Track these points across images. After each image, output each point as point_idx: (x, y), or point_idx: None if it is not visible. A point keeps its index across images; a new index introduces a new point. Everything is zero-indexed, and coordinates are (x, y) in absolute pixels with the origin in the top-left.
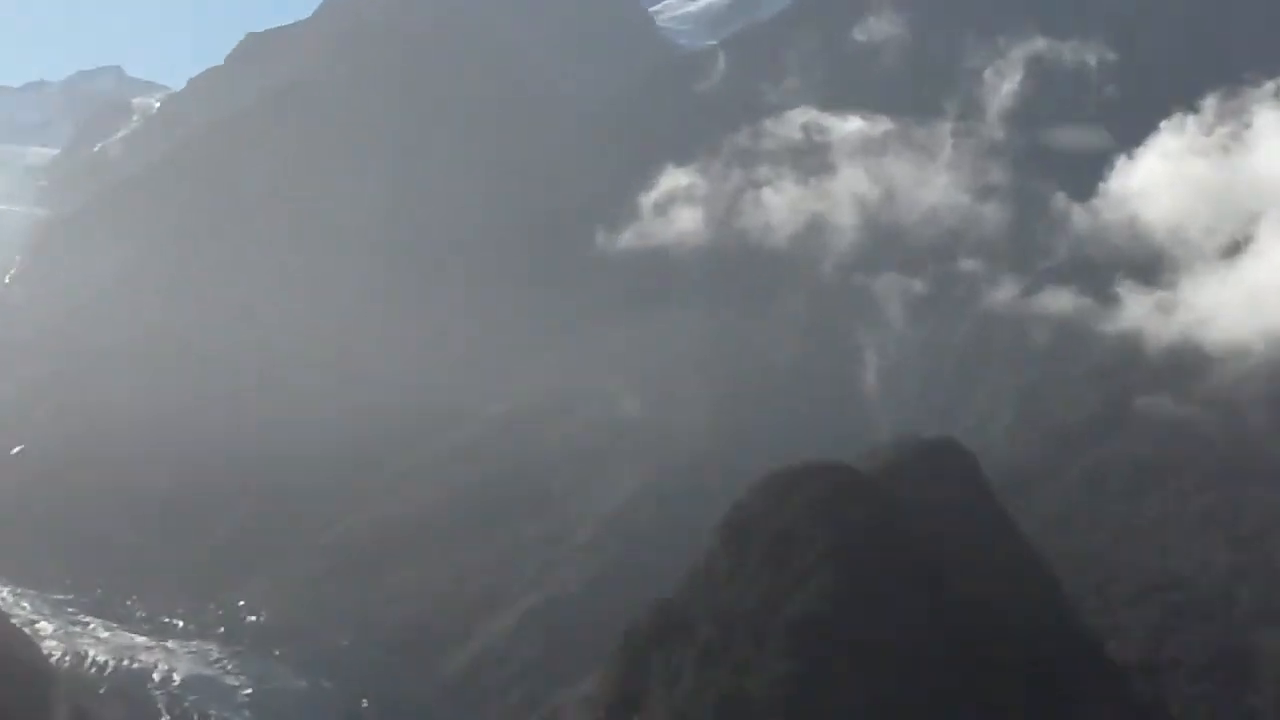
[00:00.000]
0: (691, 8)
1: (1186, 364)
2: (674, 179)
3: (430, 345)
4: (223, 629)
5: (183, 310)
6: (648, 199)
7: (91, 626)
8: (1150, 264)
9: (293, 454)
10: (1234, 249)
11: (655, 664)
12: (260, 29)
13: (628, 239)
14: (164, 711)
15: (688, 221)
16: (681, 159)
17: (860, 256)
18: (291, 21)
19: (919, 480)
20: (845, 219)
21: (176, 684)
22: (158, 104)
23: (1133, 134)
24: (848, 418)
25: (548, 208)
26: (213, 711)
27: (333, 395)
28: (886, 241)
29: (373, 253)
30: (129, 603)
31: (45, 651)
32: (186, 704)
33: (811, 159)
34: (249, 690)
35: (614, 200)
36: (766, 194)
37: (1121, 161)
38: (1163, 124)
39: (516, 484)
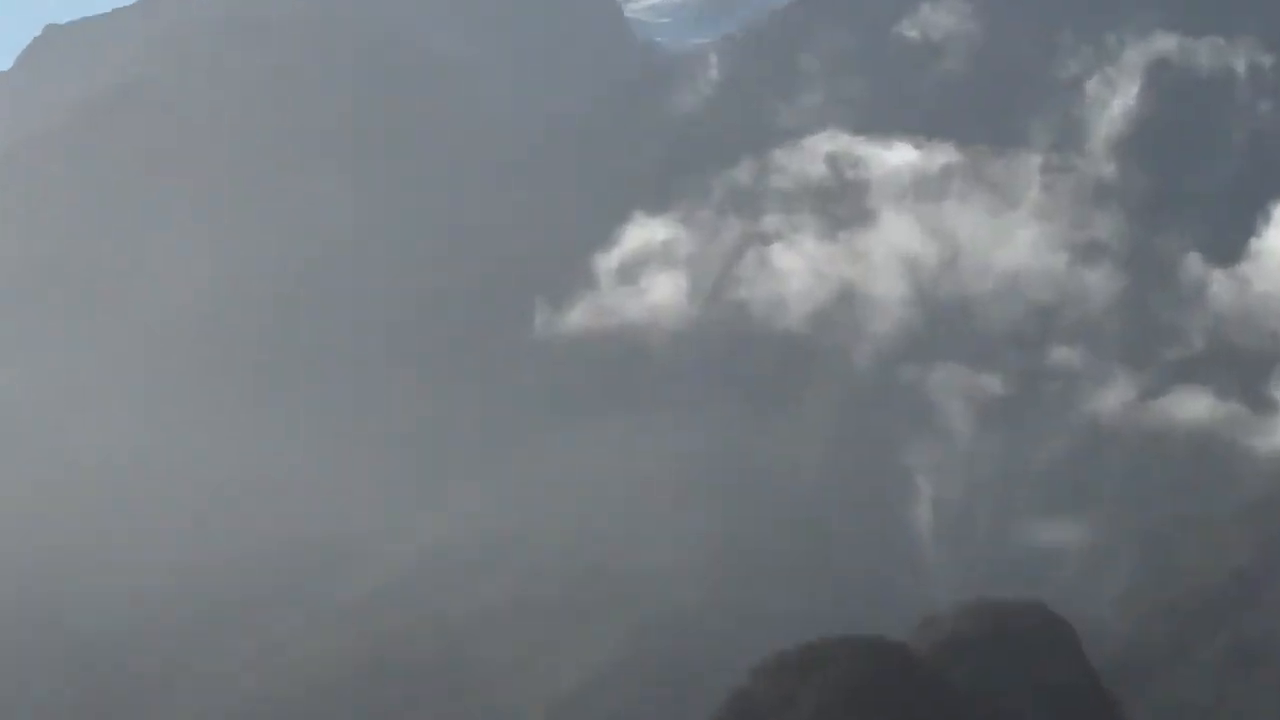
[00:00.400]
0: None
1: None
2: (646, 232)
3: (313, 463)
4: None
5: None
6: (608, 260)
7: None
8: None
9: (124, 622)
10: None
11: None
12: (65, 19)
13: (580, 316)
14: None
15: (665, 291)
16: (657, 204)
17: (910, 341)
18: (109, 9)
19: (995, 661)
20: (888, 288)
21: None
22: None
23: None
24: (892, 569)
25: (473, 273)
26: None
27: (178, 536)
28: (947, 321)
29: (229, 334)
30: None
31: None
32: None
33: (842, 204)
34: None
35: (563, 262)
36: (777, 253)
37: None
38: None
39: (431, 653)
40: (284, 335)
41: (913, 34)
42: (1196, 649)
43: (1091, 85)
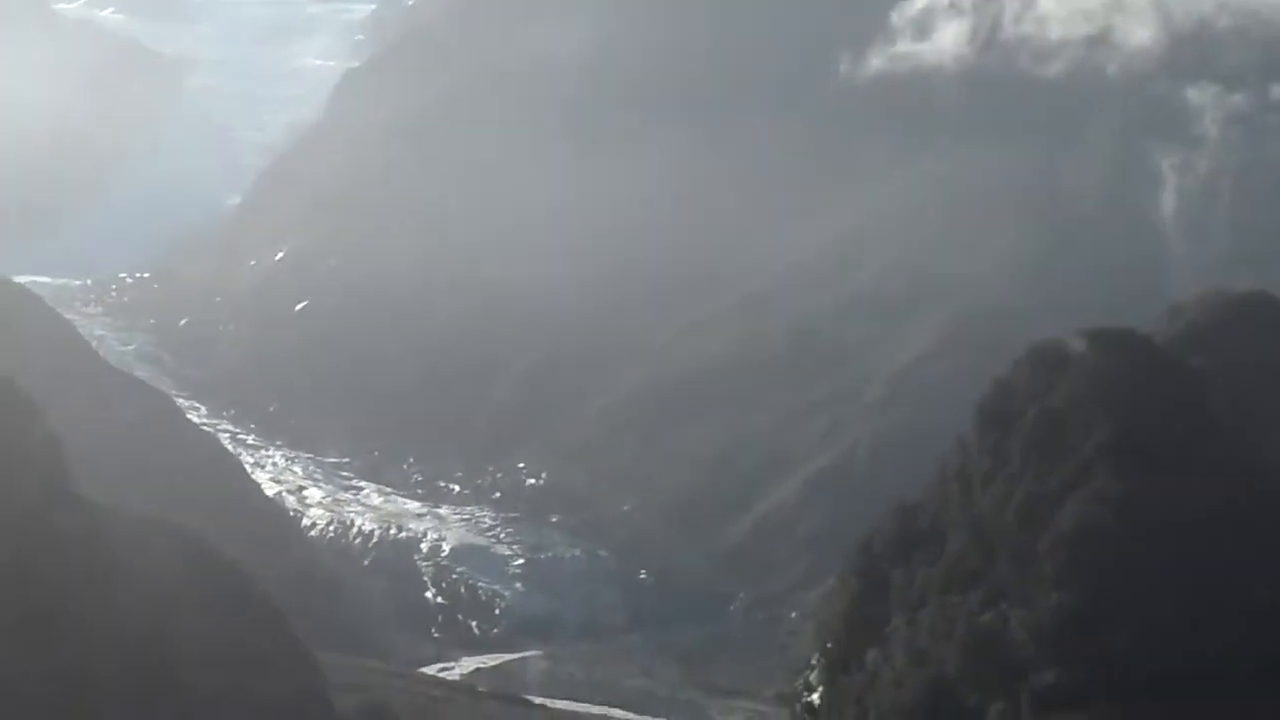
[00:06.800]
0: None
1: None
2: None
3: (682, 192)
4: (498, 494)
5: (463, 169)
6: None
7: (364, 492)
8: None
9: (568, 314)
10: None
11: (896, 583)
12: None
13: (877, 63)
14: (430, 584)
15: (949, 39)
16: None
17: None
18: None
19: (1234, 349)
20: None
21: (445, 554)
22: None
23: None
24: (1142, 262)
25: (787, 29)
26: (481, 583)
27: (605, 252)
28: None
29: (616, 97)
30: (405, 466)
31: (309, 521)
32: (454, 575)
33: None
34: (521, 560)
35: (864, 16)
36: None
37: None
38: None
39: (787, 346)
40: (641, 94)
41: None
42: None
43: None
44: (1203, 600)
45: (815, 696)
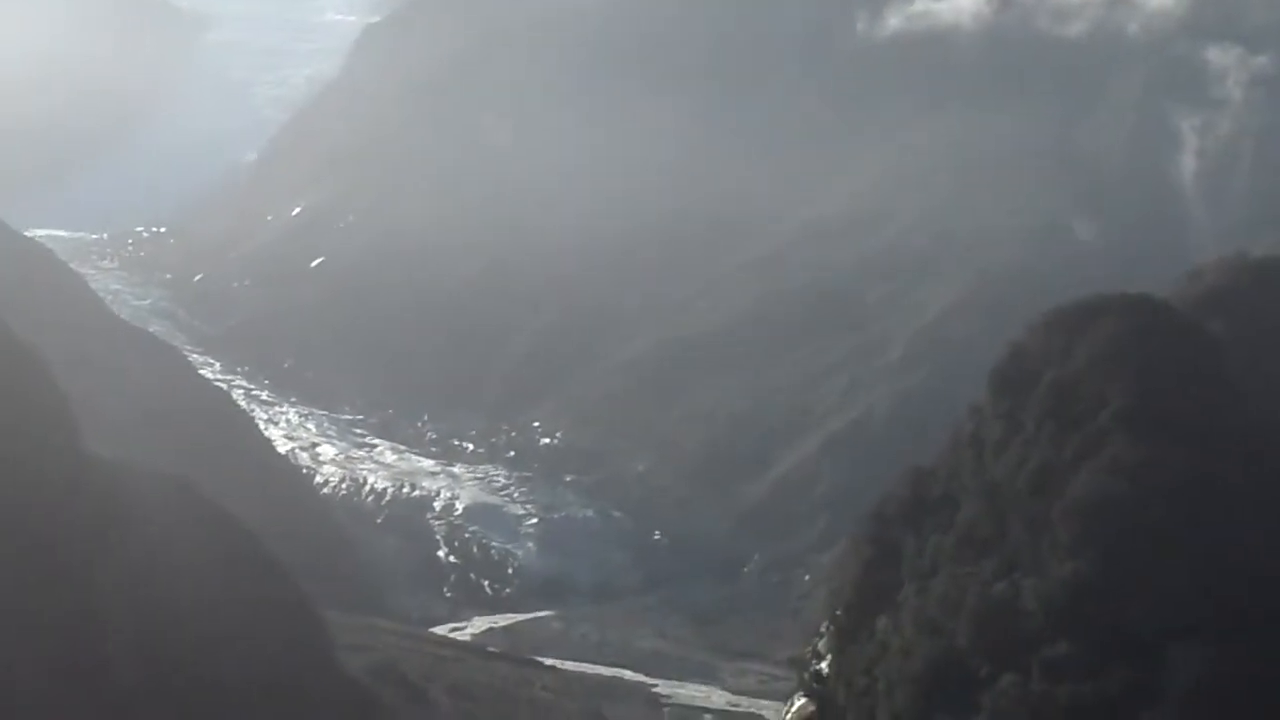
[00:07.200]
0: None
1: None
2: None
3: (713, 155)
4: (513, 453)
5: (481, 126)
6: None
7: (378, 450)
8: None
9: (584, 272)
10: None
11: (907, 551)
12: None
13: (895, 22)
14: (443, 543)
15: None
16: None
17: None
18: None
19: (1253, 313)
20: None
21: (458, 513)
22: None
23: None
24: (1159, 227)
25: None
26: (494, 543)
27: (622, 211)
28: None
29: (635, 60)
30: (419, 424)
31: (322, 478)
32: (467, 535)
33: None
34: (534, 520)
35: None
36: None
37: None
38: None
39: (807, 305)
40: (658, 54)
41: None
42: None
43: None
44: (1217, 569)
45: (824, 665)
